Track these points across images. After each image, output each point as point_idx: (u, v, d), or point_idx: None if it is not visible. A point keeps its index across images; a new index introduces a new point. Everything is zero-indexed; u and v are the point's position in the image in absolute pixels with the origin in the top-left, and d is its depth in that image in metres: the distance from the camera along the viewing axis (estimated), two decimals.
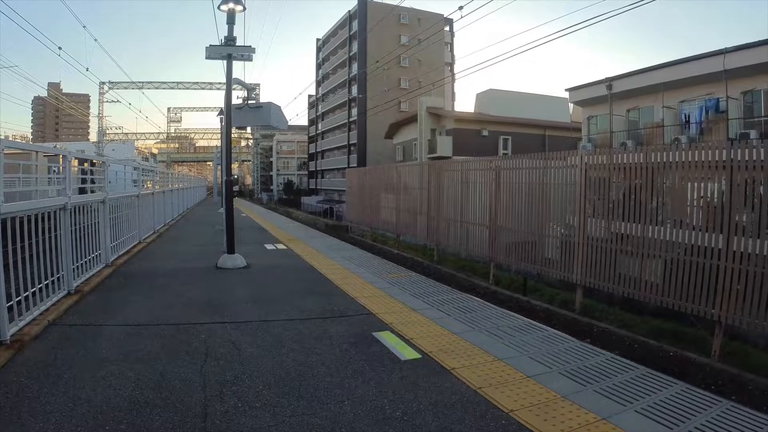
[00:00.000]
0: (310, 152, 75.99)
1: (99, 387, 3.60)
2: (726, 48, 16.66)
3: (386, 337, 4.87)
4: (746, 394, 5.19)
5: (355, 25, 57.89)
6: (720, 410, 3.36)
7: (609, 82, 21.64)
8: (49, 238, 5.58)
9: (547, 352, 4.48)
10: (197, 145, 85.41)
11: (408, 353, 4.43)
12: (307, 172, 76.83)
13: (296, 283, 7.51)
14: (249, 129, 54.04)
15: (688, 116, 18.35)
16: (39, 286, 5.23)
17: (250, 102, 9.90)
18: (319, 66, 72.71)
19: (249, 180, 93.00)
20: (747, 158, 5.97)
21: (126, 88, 46.33)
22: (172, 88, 49.56)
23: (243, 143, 72.84)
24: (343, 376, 3.92)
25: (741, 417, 3.27)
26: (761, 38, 15.80)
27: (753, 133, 15.59)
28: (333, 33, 66.54)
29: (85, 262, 6.95)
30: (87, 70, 30.60)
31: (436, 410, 3.35)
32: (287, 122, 11.69)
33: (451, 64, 57.87)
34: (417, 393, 3.60)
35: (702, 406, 3.43)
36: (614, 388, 3.70)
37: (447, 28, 55.15)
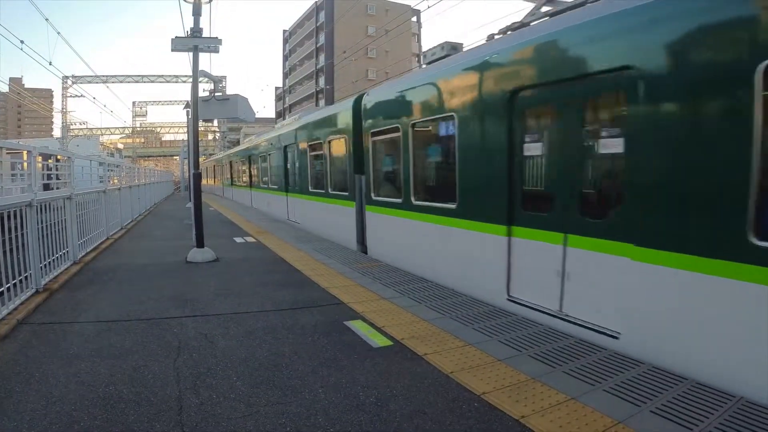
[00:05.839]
0: None
1: (72, 384, 3.59)
2: None
3: (358, 326, 4.94)
4: None
5: (321, 16, 57.48)
6: (686, 387, 3.50)
7: None
8: (16, 236, 5.48)
9: (517, 337, 4.58)
10: (163, 139, 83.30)
11: (380, 341, 4.51)
12: None
13: (267, 275, 7.51)
14: (216, 122, 53.18)
15: None
16: (6, 286, 5.16)
17: (216, 94, 9.81)
18: (285, 58, 72.00)
19: None
20: None
21: (90, 82, 44.78)
22: (137, 81, 48.24)
23: (210, 136, 71.39)
24: (316, 364, 3.98)
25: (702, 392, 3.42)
26: None
27: None
28: (299, 24, 65.93)
29: (53, 259, 6.85)
30: (50, 65, 29.55)
31: (408, 395, 3.43)
32: (254, 114, 11.59)
33: (419, 55, 57.81)
34: (390, 379, 3.69)
35: (667, 384, 3.51)
36: (583, 369, 3.78)
37: (414, 19, 55.19)
